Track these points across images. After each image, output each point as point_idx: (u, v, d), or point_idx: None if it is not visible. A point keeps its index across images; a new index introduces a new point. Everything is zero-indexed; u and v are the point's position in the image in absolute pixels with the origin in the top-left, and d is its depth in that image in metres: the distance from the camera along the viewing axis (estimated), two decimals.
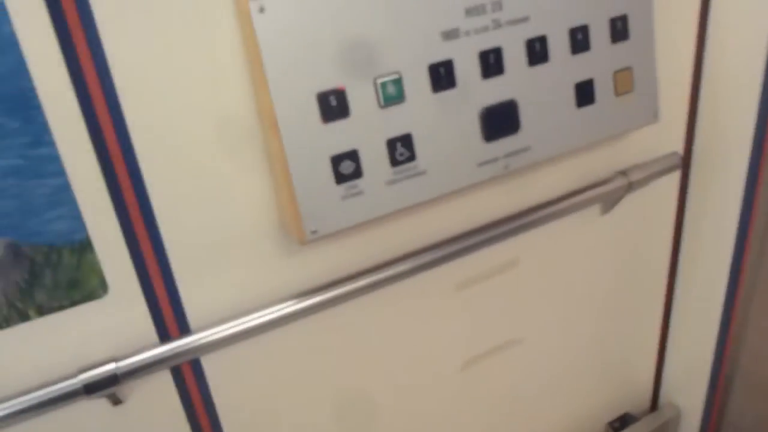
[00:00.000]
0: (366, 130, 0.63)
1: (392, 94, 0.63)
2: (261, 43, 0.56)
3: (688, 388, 1.11)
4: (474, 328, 0.86)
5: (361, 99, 0.62)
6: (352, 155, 0.63)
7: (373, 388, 0.81)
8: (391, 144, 0.64)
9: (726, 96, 0.86)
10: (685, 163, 0.93)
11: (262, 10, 0.55)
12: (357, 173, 0.63)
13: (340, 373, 0.78)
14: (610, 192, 0.84)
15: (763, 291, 0.98)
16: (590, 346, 1.02)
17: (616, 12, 0.72)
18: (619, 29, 0.72)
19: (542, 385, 0.99)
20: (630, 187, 0.85)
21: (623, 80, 0.75)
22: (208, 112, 0.59)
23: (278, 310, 0.68)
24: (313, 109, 0.60)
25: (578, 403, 1.07)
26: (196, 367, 0.68)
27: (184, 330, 0.66)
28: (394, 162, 0.65)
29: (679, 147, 0.91)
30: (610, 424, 1.13)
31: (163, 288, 0.63)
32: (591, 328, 1.00)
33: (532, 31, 0.68)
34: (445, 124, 0.66)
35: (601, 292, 0.97)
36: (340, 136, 0.62)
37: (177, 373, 0.68)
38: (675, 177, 0.94)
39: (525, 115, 0.70)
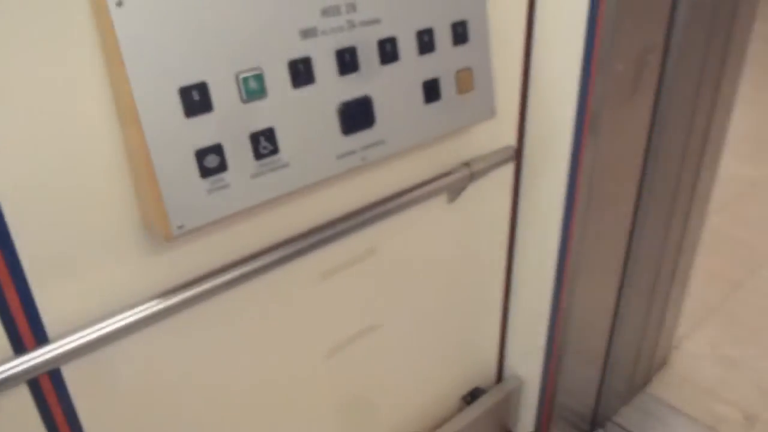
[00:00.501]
0: (229, 124, 0.64)
1: (254, 89, 0.64)
2: (120, 38, 0.55)
3: (528, 359, 1.22)
4: (338, 315, 0.89)
5: (224, 94, 0.62)
6: (217, 149, 0.63)
7: (244, 381, 0.82)
8: (255, 138, 0.66)
9: (550, 94, 0.97)
10: (518, 154, 1.03)
11: (119, 4, 0.54)
12: (222, 167, 0.64)
13: (209, 370, 0.77)
14: (454, 182, 0.92)
15: (586, 271, 1.12)
16: (441, 328, 1.09)
17: (457, 17, 0.79)
18: (459, 33, 0.79)
19: (400, 367, 1.04)
20: (472, 177, 0.93)
21: (464, 79, 0.82)
22: (61, 109, 0.57)
23: (143, 311, 0.66)
24: (176, 104, 0.60)
25: (434, 381, 1.14)
26: (56, 378, 0.65)
27: (41, 340, 0.62)
28: (258, 155, 0.66)
29: (512, 140, 1.01)
30: (463, 398, 1.21)
31: (16, 296, 0.60)
32: (442, 310, 1.07)
33: (383, 32, 0.72)
34: (305, 118, 0.69)
35: (450, 275, 1.05)
36: (203, 130, 0.62)
37: (35, 387, 0.64)
38: (510, 167, 1.04)
39: (379, 110, 0.75)
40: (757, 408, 1.55)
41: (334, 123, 0.71)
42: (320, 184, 0.74)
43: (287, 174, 0.69)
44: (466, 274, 1.08)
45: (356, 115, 0.73)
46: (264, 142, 0.66)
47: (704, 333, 1.80)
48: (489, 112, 0.87)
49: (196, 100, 0.61)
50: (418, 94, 0.78)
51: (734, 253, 2.16)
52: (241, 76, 0.63)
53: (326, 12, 0.68)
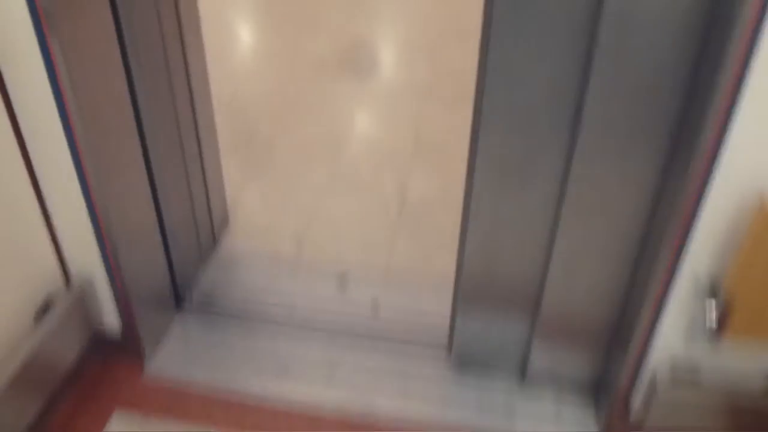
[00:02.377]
0: None
1: None
2: None
3: (86, 256, 1.27)
4: None
5: None
6: None
7: None
8: None
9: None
10: None
11: None
12: None
13: None
14: None
15: (102, 161, 1.19)
16: None
17: None
18: None
19: None
20: None
21: None
22: None
23: None
24: None
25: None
26: None
27: None
28: None
29: None
30: (37, 313, 1.23)
31: None
32: None
33: None
34: None
35: None
36: None
37: None
38: None
39: None
40: (301, 233, 1.92)
41: None
42: None
43: None
44: None
45: None
46: None
47: (253, 187, 2.09)
48: None
49: None
50: None
51: (249, 115, 2.49)
52: None
53: None
